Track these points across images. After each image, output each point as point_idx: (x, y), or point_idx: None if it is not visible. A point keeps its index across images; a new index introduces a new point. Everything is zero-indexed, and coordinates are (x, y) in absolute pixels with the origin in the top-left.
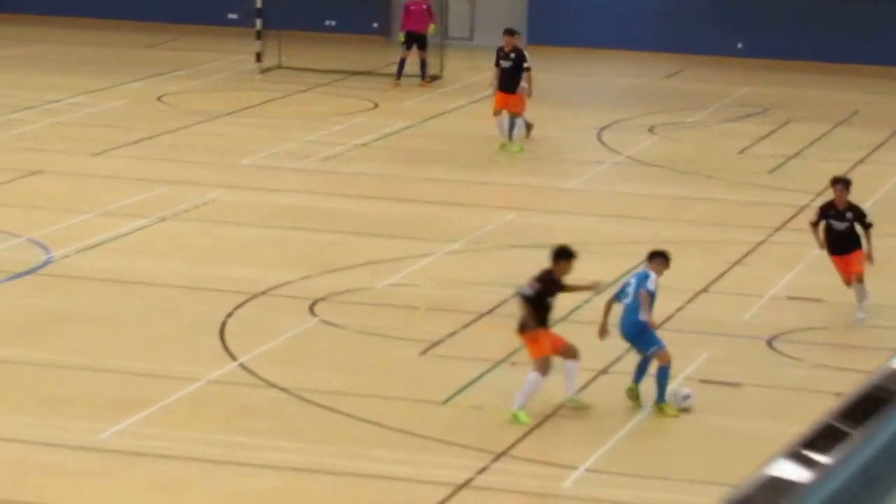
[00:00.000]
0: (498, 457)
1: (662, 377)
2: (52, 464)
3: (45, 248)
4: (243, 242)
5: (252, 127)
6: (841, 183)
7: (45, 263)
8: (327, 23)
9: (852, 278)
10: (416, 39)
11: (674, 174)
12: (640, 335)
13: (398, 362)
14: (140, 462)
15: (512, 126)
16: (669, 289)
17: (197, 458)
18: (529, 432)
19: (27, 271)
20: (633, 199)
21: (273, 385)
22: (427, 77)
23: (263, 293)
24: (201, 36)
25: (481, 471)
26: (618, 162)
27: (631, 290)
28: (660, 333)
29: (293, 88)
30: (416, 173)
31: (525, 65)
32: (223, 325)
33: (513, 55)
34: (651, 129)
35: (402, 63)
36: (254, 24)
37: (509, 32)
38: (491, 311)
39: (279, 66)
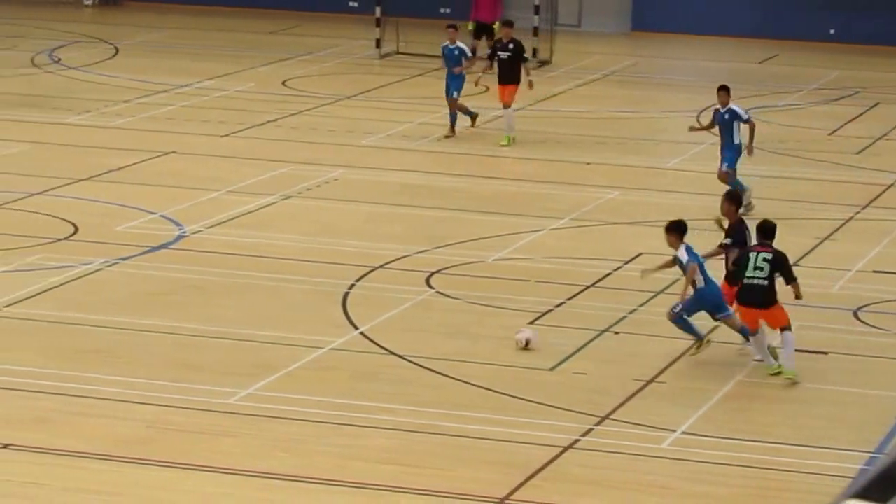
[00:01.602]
0: (601, 420)
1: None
2: (186, 425)
3: (177, 223)
4: (363, 218)
5: (371, 109)
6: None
7: (178, 238)
8: (442, 10)
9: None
10: (485, 29)
11: (767, 154)
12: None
13: (508, 331)
14: (267, 423)
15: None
16: None
17: (319, 419)
18: (630, 397)
19: (161, 245)
20: None
21: (391, 352)
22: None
23: (382, 266)
24: (323, 23)
25: (585, 433)
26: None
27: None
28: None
29: (409, 73)
30: (525, 153)
31: (524, 55)
32: (346, 295)
33: (511, 45)
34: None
35: (473, 53)
36: (373, 12)
37: (507, 24)
38: (595, 283)
39: (397, 52)
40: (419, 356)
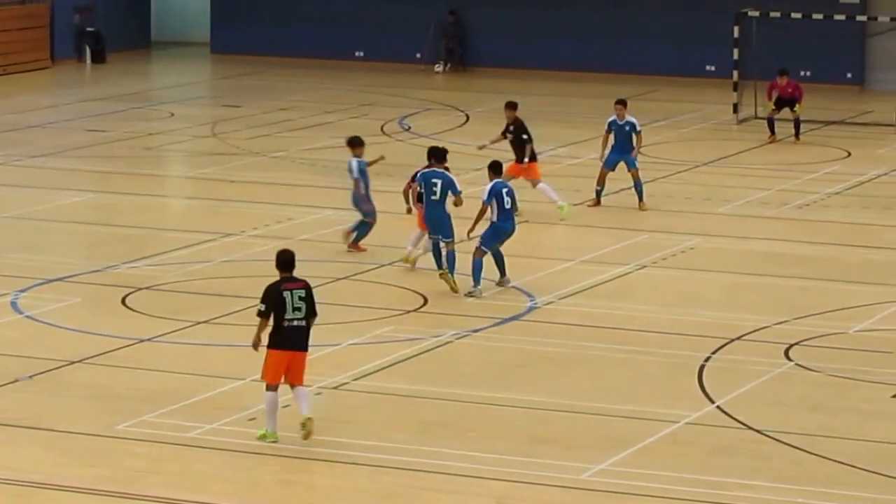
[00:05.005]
0: None
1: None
2: (537, 500)
3: (529, 294)
4: (721, 288)
5: (728, 176)
6: None
7: (530, 309)
8: (802, 73)
9: None
10: (786, 102)
11: None
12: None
13: (871, 404)
14: (621, 500)
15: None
16: None
17: (676, 496)
18: None
19: (513, 317)
20: None
21: (749, 427)
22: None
23: (740, 338)
24: (681, 87)
25: None
26: None
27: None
28: None
29: (767, 138)
30: (890, 220)
31: (524, 136)
32: (701, 368)
33: (511, 127)
34: None
35: (770, 123)
36: (731, 76)
37: (509, 106)
38: None
39: (755, 117)
40: (778, 431)
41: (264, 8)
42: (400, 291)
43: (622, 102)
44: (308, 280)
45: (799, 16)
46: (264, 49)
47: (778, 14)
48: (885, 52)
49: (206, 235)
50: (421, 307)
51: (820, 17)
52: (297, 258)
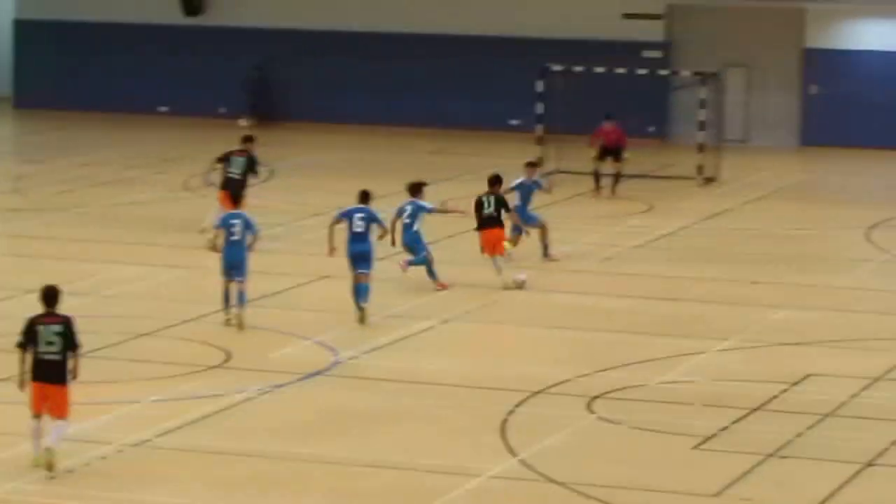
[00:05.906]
0: None
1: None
2: None
3: (333, 349)
4: (524, 341)
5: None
6: None
7: (334, 364)
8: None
9: None
10: (610, 152)
11: None
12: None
13: (673, 456)
14: None
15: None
16: None
17: None
18: None
19: (317, 372)
20: None
21: (552, 480)
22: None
23: (542, 391)
24: (484, 141)
25: None
26: (886, 260)
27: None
28: None
29: (571, 192)
30: (692, 272)
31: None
32: (504, 421)
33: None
34: None
35: (596, 175)
36: (534, 130)
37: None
38: (761, 406)
39: (558, 171)
40: (582, 483)
41: (68, 63)
42: (202, 347)
43: (535, 164)
44: (70, 316)
45: (602, 70)
46: (68, 104)
47: (581, 68)
48: (687, 106)
49: (8, 292)
50: (224, 363)
51: (623, 70)
52: (100, 315)
